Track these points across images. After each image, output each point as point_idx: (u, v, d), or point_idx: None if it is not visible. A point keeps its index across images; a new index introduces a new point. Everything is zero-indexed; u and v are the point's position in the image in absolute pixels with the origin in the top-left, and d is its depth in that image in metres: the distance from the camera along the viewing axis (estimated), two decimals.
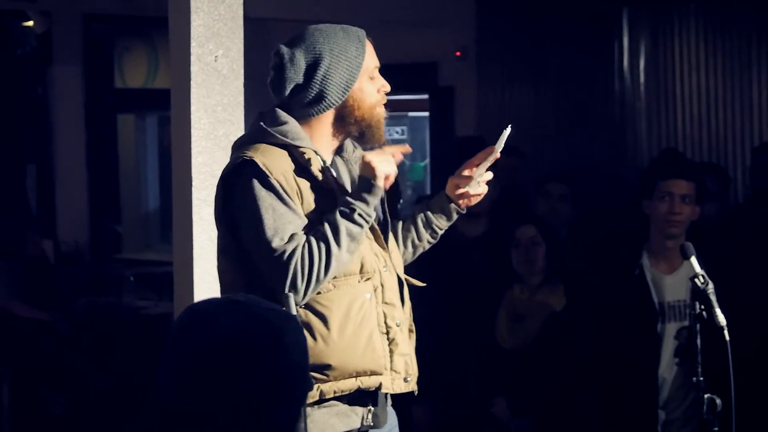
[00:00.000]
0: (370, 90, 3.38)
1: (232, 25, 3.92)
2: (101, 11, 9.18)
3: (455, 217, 3.62)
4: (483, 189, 3.56)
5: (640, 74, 7.51)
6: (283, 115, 3.33)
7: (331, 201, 3.33)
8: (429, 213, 3.60)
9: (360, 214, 3.26)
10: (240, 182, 3.25)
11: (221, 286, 3.38)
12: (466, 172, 3.54)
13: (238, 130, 3.96)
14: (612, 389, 4.79)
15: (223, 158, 3.93)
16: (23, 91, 9.57)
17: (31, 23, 9.12)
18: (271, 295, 3.09)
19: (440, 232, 3.64)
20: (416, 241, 3.63)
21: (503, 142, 3.42)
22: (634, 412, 4.70)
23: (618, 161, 7.54)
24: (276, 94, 3.37)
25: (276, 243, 3.20)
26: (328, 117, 3.37)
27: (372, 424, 3.41)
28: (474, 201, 3.59)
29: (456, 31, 8.08)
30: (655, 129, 7.44)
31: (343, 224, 3.24)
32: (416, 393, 3.49)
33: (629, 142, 7.55)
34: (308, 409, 3.26)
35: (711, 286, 3.40)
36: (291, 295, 3.07)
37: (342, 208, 3.27)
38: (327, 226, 3.24)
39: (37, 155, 9.54)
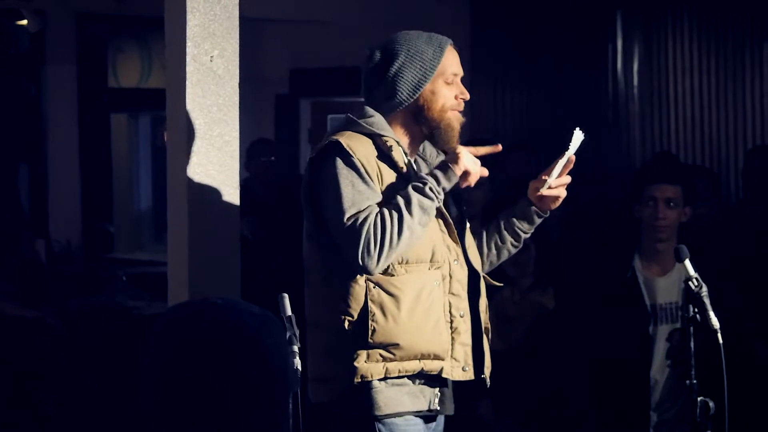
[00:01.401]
0: (445, 93, 3.56)
1: (228, 25, 3.92)
2: (95, 11, 9.16)
3: (537, 220, 3.76)
4: (559, 192, 3.69)
5: (634, 77, 7.51)
6: (371, 110, 3.52)
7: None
8: (512, 217, 3.75)
9: (431, 188, 3.42)
10: (324, 161, 3.44)
11: (305, 270, 3.56)
12: (544, 177, 3.67)
13: (233, 130, 3.96)
14: (604, 391, 4.79)
15: (218, 158, 3.93)
16: (16, 91, 9.55)
17: (24, 22, 9.09)
18: (351, 277, 3.37)
19: (523, 236, 3.79)
20: (499, 243, 3.78)
21: (576, 145, 3.54)
22: (626, 414, 4.70)
23: (611, 164, 7.54)
24: (362, 85, 3.59)
25: (351, 212, 3.36)
26: (404, 115, 3.55)
27: (438, 408, 3.55)
28: (554, 205, 3.72)
29: (450, 34, 8.06)
30: (648, 132, 7.45)
31: (415, 196, 3.39)
32: (488, 386, 3.68)
33: (623, 144, 7.55)
34: (381, 384, 3.43)
35: (705, 289, 3.41)
36: (286, 295, 3.11)
37: (414, 183, 3.43)
38: (399, 198, 3.40)
39: (30, 155, 9.53)
